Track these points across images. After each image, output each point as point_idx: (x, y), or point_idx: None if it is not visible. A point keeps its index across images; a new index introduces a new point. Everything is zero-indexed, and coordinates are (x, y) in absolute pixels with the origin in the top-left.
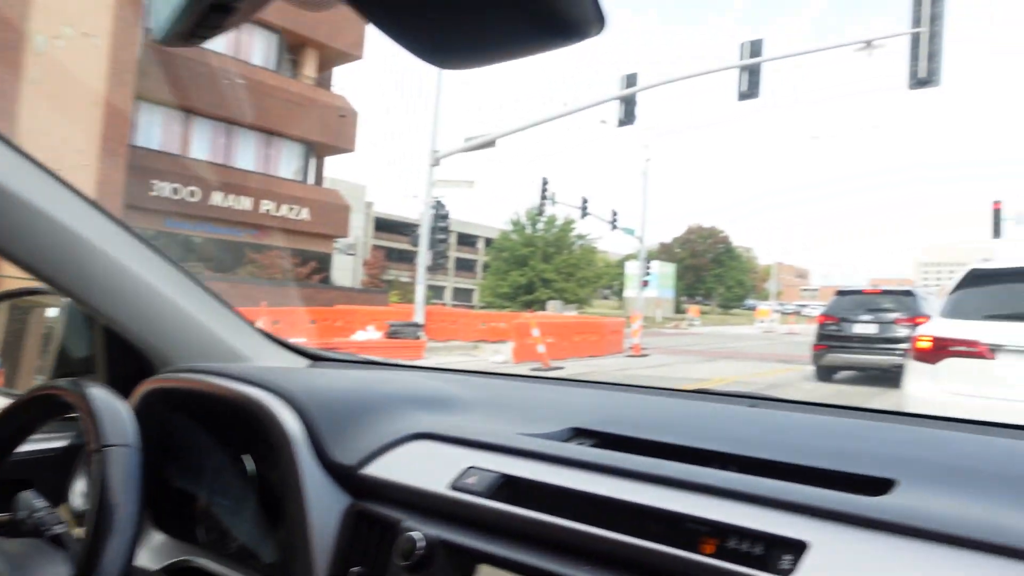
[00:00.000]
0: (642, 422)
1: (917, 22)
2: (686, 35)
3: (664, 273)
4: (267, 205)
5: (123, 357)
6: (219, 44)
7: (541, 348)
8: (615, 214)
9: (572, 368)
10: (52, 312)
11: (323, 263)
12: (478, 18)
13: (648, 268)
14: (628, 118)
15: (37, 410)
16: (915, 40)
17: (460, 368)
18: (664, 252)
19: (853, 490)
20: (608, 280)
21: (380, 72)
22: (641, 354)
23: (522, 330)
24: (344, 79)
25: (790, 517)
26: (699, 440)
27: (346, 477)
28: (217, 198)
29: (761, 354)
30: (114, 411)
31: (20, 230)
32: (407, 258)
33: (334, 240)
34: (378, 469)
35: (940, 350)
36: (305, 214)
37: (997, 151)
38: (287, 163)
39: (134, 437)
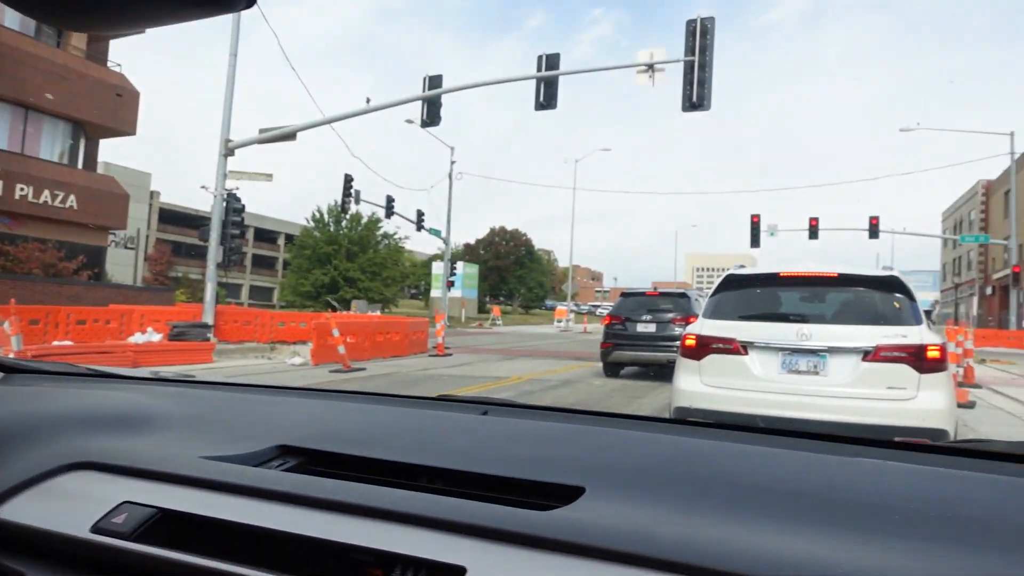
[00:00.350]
0: (361, 435)
1: (691, 51)
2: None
3: (469, 273)
4: (24, 190)
5: None
6: None
7: (342, 349)
8: (421, 214)
9: (374, 368)
10: None
11: (95, 257)
12: None
13: (453, 268)
14: (431, 119)
15: None
16: (688, 67)
17: (176, 377)
18: (469, 253)
19: (547, 500)
20: (415, 280)
21: (169, 53)
22: (444, 353)
23: (322, 330)
24: (126, 57)
25: (457, 540)
26: (417, 454)
27: None
28: None
29: (557, 352)
30: None
31: None
32: (199, 254)
33: (110, 232)
34: (12, 510)
35: (702, 347)
36: (72, 202)
37: (759, 170)
38: (50, 143)
39: None
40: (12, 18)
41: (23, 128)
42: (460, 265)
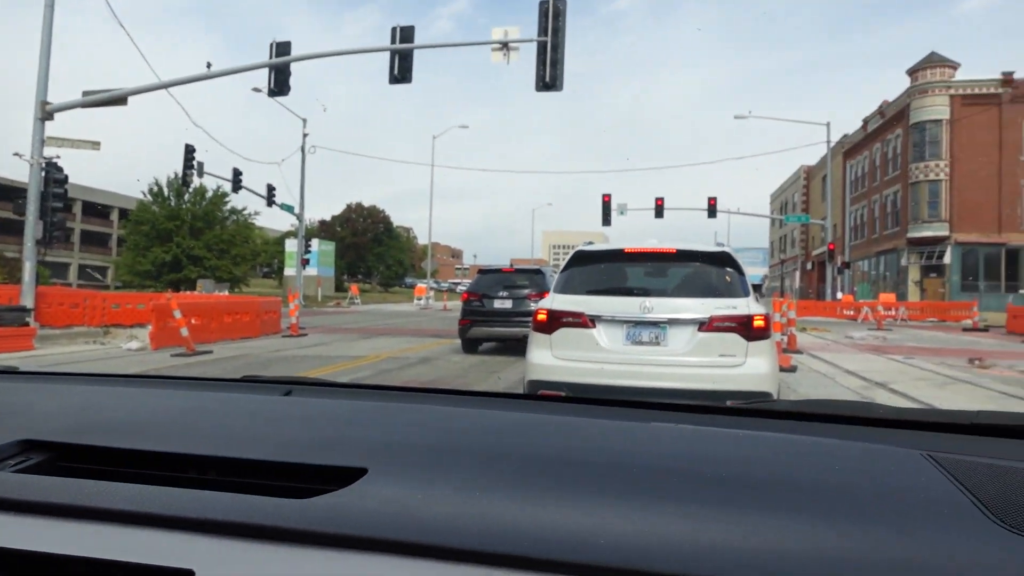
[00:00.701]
0: (133, 425)
1: (544, 32)
2: (349, 18)
3: (324, 251)
4: None
5: None
6: None
7: (184, 331)
8: (272, 189)
9: (221, 351)
10: None
11: None
12: None
13: (308, 246)
14: (280, 88)
15: None
16: (541, 48)
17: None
18: (324, 230)
19: (324, 485)
20: (267, 258)
21: None
22: (299, 334)
23: (162, 312)
24: None
25: (190, 539)
26: (192, 443)
27: None
28: None
29: (417, 330)
30: None
31: None
32: (15, 230)
33: None
34: None
35: (553, 321)
36: None
37: (612, 152)
38: None
39: None
40: None
41: None
42: (315, 242)
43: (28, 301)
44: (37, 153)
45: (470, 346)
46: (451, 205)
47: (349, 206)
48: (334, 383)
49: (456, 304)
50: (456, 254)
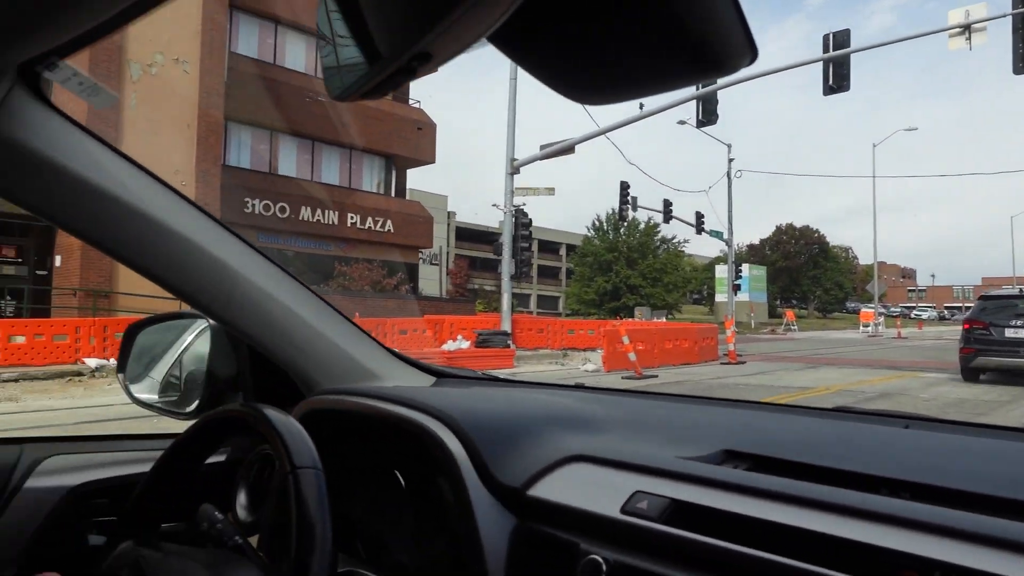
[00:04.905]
0: (791, 444)
1: (1022, 2)
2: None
3: (755, 276)
4: (353, 218)
5: (267, 377)
6: (298, 63)
7: (632, 356)
8: (700, 216)
9: (665, 376)
10: (200, 333)
11: (409, 274)
12: (627, 55)
13: (739, 271)
14: (708, 118)
15: (221, 430)
16: (1019, 22)
17: (585, 385)
18: (754, 254)
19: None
20: (697, 285)
21: (457, 83)
22: (737, 361)
23: (612, 337)
24: (421, 92)
25: (986, 552)
26: (859, 464)
27: (510, 498)
28: (306, 213)
29: (869, 360)
30: (299, 435)
31: (178, 262)
32: (490, 266)
33: (419, 251)
34: (542, 491)
35: None
36: (389, 226)
37: None
38: (369, 176)
39: (318, 459)
40: None
41: (349, 166)
42: (745, 267)
43: (507, 327)
44: (508, 202)
45: (971, 375)
46: (898, 219)
47: (779, 227)
48: (947, 420)
49: (911, 332)
50: (907, 274)
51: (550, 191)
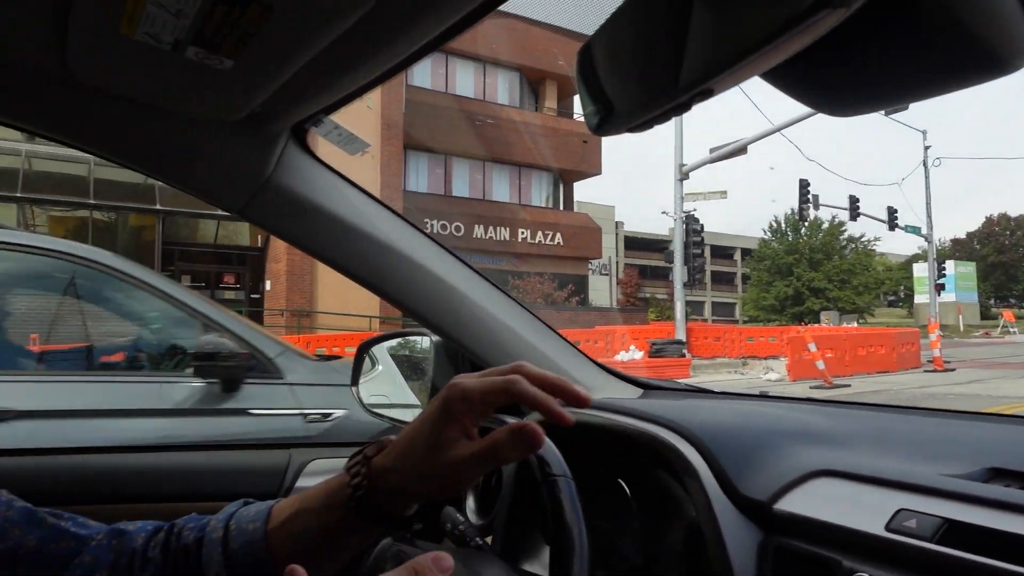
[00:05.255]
0: None
1: None
2: None
3: (963, 273)
4: (523, 233)
5: None
6: (467, 89)
7: (820, 364)
8: (893, 211)
9: (859, 385)
10: (423, 349)
11: (580, 285)
12: (903, 63)
13: (942, 269)
14: (896, 108)
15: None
16: None
17: (795, 396)
18: (959, 250)
19: None
20: (892, 286)
21: None
22: (944, 368)
23: (797, 344)
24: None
25: None
26: None
27: (755, 511)
28: (479, 231)
29: None
30: (549, 445)
31: (414, 286)
32: (661, 275)
33: (588, 262)
34: (790, 505)
35: None
36: (559, 239)
37: None
38: (538, 192)
39: (567, 468)
40: (503, 94)
41: (519, 183)
42: (950, 265)
43: (681, 335)
44: (678, 208)
45: None
46: None
47: (989, 219)
48: None
49: None
50: None
51: (722, 194)
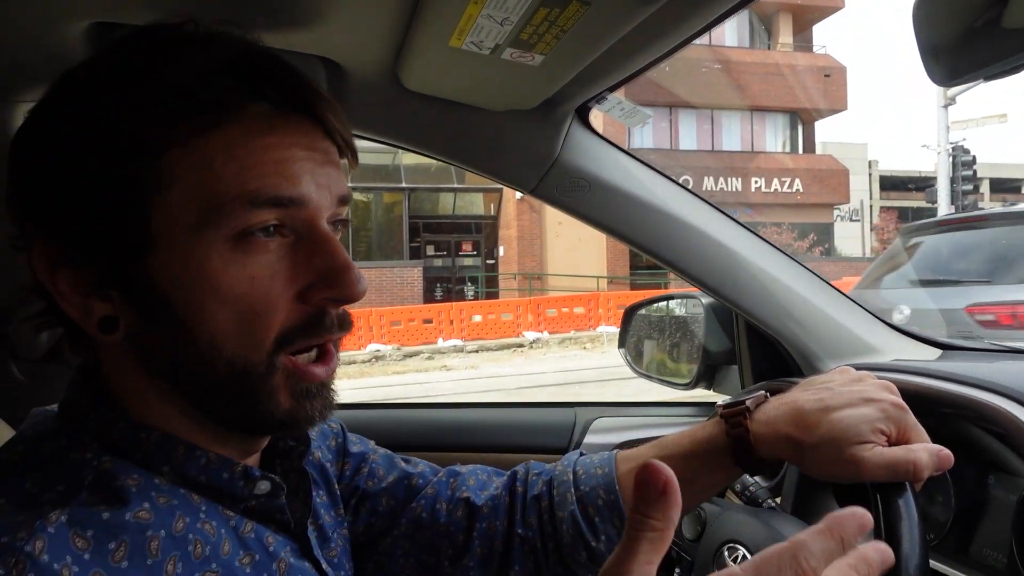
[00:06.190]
0: None
1: None
2: None
3: None
4: (757, 182)
5: (762, 351)
6: None
7: None
8: None
9: None
10: (692, 311)
11: (823, 234)
12: None
13: None
14: None
15: None
16: None
17: None
18: None
19: None
20: None
21: (867, 16)
22: None
23: None
24: (826, 35)
25: None
26: None
27: None
28: (708, 183)
29: None
30: None
31: (693, 251)
32: (927, 216)
33: (833, 208)
34: None
35: None
36: (798, 185)
37: None
38: (772, 137)
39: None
40: (730, 35)
41: (751, 129)
42: None
43: None
44: (943, 140)
45: None
46: None
47: None
48: None
49: None
50: None
51: (1001, 118)
